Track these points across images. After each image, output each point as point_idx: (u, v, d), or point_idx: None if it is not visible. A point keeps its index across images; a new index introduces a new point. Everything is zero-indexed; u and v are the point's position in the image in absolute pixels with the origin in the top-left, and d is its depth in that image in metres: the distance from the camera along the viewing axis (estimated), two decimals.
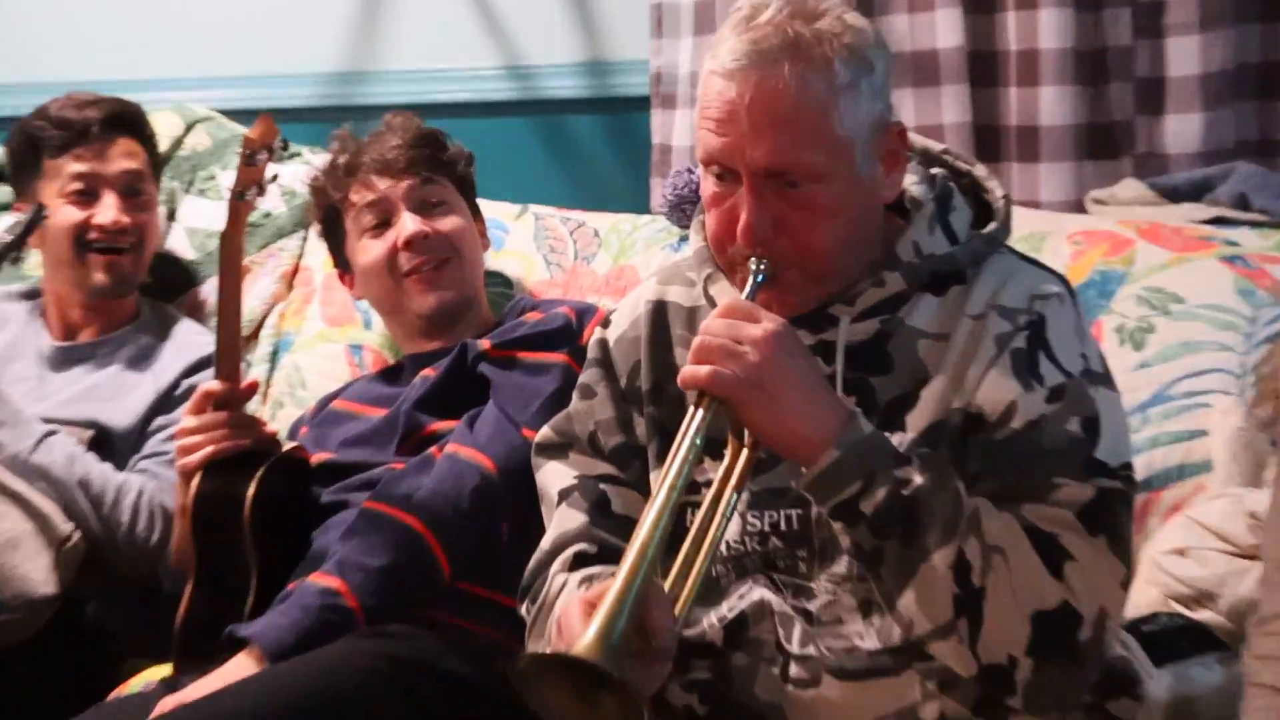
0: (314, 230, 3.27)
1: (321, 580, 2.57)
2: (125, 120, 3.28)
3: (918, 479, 2.00)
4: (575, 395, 2.37)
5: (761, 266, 2.10)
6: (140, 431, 3.12)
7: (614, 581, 1.88)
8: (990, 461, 2.05)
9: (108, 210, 3.19)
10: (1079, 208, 3.27)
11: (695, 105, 2.17)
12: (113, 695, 2.73)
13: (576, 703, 1.84)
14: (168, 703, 2.43)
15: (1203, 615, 2.49)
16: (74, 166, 3.21)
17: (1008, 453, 2.05)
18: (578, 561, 2.24)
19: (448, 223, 3.02)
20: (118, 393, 3.16)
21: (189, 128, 3.78)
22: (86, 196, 3.20)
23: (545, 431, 2.38)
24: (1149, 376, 2.79)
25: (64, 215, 3.17)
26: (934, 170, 2.28)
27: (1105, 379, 2.13)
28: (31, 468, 2.94)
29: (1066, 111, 3.30)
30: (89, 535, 2.95)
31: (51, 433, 2.99)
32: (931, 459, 2.03)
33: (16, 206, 3.30)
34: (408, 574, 2.60)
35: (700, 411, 2.00)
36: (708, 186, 2.14)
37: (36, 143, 3.24)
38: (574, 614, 1.96)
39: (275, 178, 2.91)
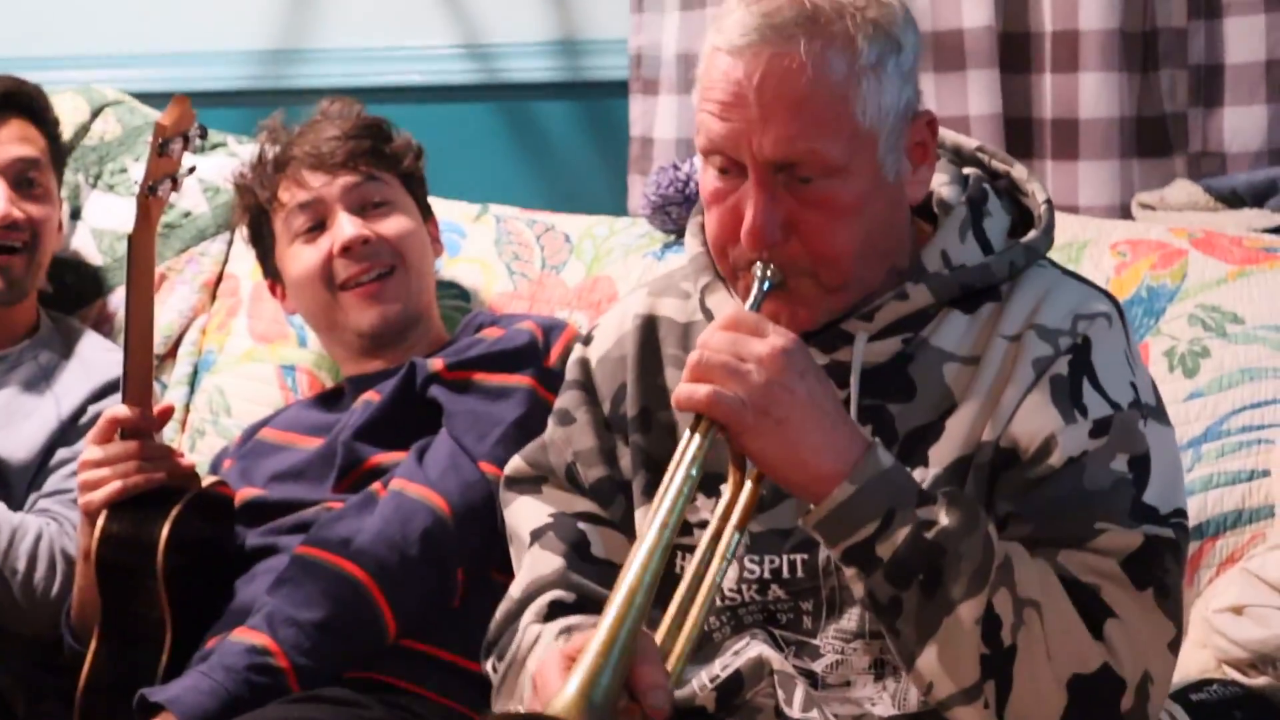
0: (240, 233, 3.27)
1: (247, 636, 2.57)
2: (19, 100, 3.26)
3: (944, 520, 2.00)
4: (551, 421, 2.38)
5: (768, 273, 2.11)
6: (39, 466, 3.10)
7: (597, 631, 1.87)
8: (1024, 502, 2.07)
9: None
10: (1124, 213, 3.28)
11: (686, 90, 2.18)
12: None
13: None
14: None
15: (1260, 682, 2.50)
16: None
17: (1045, 493, 2.06)
18: (553, 612, 2.24)
19: (391, 225, 3.02)
20: (12, 420, 3.13)
21: (96, 113, 3.77)
22: None
23: (516, 462, 2.39)
24: (1202, 408, 2.80)
25: None
26: (967, 170, 2.30)
27: (1157, 412, 2.15)
28: None
29: (1110, 102, 3.31)
30: None
31: None
32: (959, 498, 2.04)
33: None
34: (347, 630, 2.60)
35: (697, 437, 2.00)
36: (708, 181, 2.15)
37: None
38: (552, 668, 1.96)
39: (192, 170, 2.89)
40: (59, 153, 3.35)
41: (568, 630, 2.18)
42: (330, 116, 3.09)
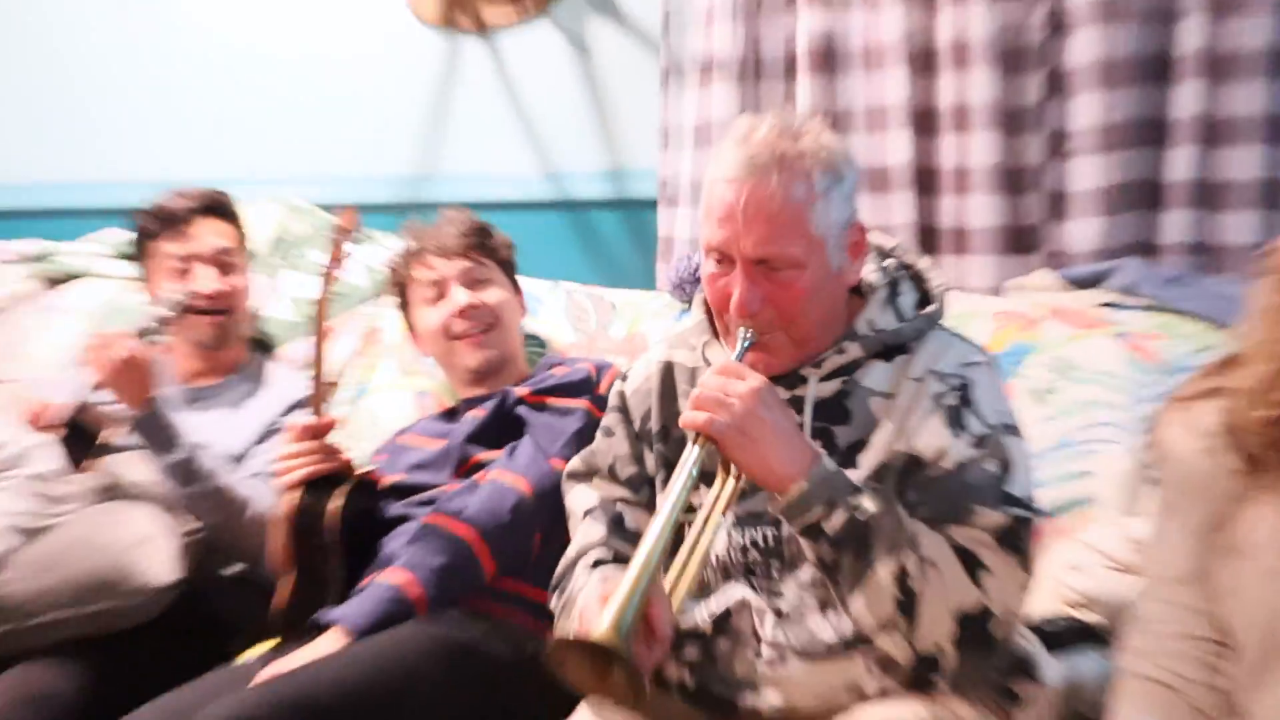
0: (389, 299, 3.29)
1: (391, 576, 2.56)
2: (213, 205, 3.22)
3: (869, 506, 2.00)
4: (599, 434, 2.37)
5: (748, 334, 2.11)
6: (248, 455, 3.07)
7: (624, 580, 1.87)
8: (925, 493, 2.06)
9: (206, 281, 3.16)
10: (999, 293, 3.28)
11: (696, 205, 2.16)
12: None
13: (594, 676, 1.85)
14: (269, 670, 2.41)
15: (1089, 617, 2.51)
16: (170, 248, 3.17)
17: (939, 487, 2.05)
18: (597, 564, 2.24)
19: (492, 295, 3.00)
20: (232, 426, 3.10)
21: (289, 216, 3.79)
22: (185, 275, 3.16)
23: (574, 462, 2.38)
24: (1053, 428, 2.80)
25: (166, 291, 3.13)
26: (887, 262, 2.28)
27: (1017, 431, 2.13)
28: (193, 470, 2.89)
29: (991, 216, 3.31)
30: (213, 530, 2.89)
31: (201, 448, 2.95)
32: (880, 491, 2.04)
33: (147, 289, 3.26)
34: (459, 572, 2.58)
35: (696, 449, 2.00)
36: (709, 268, 2.15)
37: (142, 230, 3.21)
38: (593, 605, 1.97)
39: (349, 255, 2.86)
40: (245, 239, 3.29)
41: (605, 578, 2.18)
42: (450, 220, 3.04)
